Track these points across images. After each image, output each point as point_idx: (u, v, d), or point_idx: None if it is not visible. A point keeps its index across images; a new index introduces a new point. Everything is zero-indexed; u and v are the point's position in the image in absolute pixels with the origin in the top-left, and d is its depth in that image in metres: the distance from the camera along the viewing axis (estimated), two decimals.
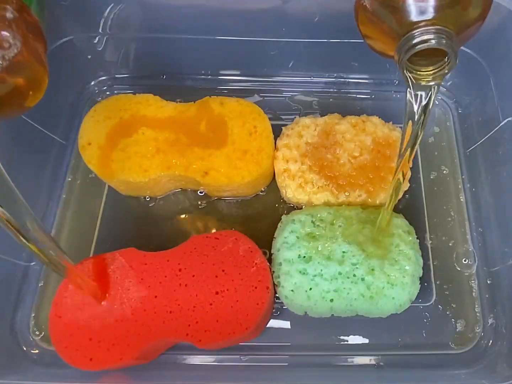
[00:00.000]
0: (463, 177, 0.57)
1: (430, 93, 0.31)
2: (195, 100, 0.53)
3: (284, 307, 0.48)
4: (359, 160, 0.51)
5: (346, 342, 0.48)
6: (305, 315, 0.47)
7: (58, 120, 0.57)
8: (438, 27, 0.27)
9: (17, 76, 0.28)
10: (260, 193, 0.55)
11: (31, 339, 0.48)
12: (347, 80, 0.62)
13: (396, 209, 0.51)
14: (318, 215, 0.48)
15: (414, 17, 0.27)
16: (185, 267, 0.45)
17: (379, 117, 0.54)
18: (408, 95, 0.31)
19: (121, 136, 0.50)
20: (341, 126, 0.53)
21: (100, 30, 0.55)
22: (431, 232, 0.53)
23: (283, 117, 0.60)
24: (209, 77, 0.62)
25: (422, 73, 0.30)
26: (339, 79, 0.62)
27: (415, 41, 0.27)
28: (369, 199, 0.50)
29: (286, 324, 0.48)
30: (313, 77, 0.62)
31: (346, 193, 0.50)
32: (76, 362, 0.41)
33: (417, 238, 0.49)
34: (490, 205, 0.54)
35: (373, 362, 0.47)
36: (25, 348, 0.47)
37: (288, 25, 0.54)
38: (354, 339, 0.48)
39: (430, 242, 0.53)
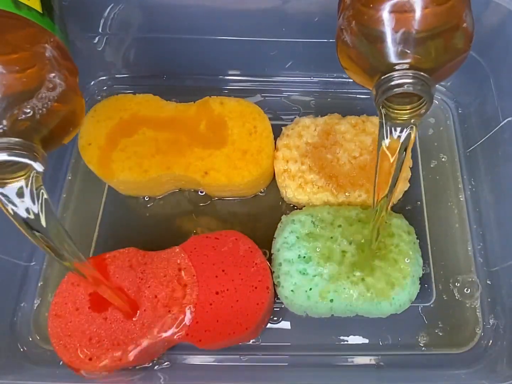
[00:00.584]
0: (463, 177, 0.57)
1: (409, 131, 0.31)
2: (195, 100, 0.53)
3: (284, 307, 0.48)
4: (359, 160, 0.51)
5: (346, 342, 0.48)
6: (305, 315, 0.47)
7: None
8: (416, 72, 0.27)
9: (60, 113, 0.27)
10: (260, 193, 0.55)
11: (31, 339, 0.48)
12: (347, 80, 0.62)
13: (396, 209, 0.51)
14: (318, 215, 0.48)
15: (393, 58, 0.28)
16: (185, 267, 0.45)
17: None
18: (381, 132, 0.31)
19: (121, 136, 0.50)
20: (341, 126, 0.53)
21: (100, 30, 0.55)
22: (431, 232, 0.53)
23: (283, 117, 0.60)
24: (209, 77, 0.62)
25: (398, 111, 0.30)
26: (339, 79, 0.62)
27: (392, 83, 0.27)
28: (369, 199, 0.50)
29: (286, 324, 0.48)
30: (313, 77, 0.62)
31: (346, 193, 0.50)
32: (76, 363, 0.41)
33: (417, 238, 0.49)
34: (490, 205, 0.54)
35: (373, 362, 0.47)
36: (25, 348, 0.47)
37: (288, 25, 0.54)
38: (354, 339, 0.48)
39: (430, 242, 0.53)
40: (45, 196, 0.28)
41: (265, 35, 0.55)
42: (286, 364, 0.47)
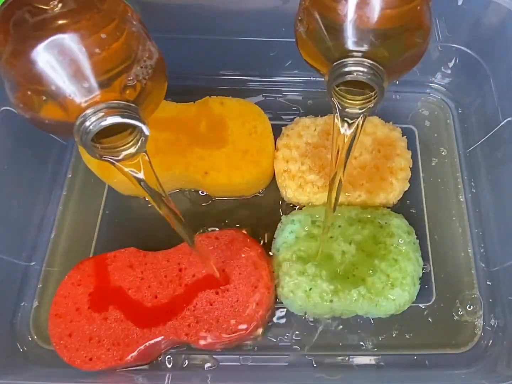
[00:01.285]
0: (463, 177, 0.57)
1: (357, 121, 0.31)
2: (195, 100, 0.53)
3: (284, 307, 0.48)
4: (359, 160, 0.51)
5: (346, 342, 0.48)
6: (304, 315, 0.47)
7: None
8: (372, 62, 0.27)
9: (157, 79, 0.29)
10: (260, 193, 0.55)
11: (31, 339, 0.48)
12: None
13: (396, 209, 0.51)
14: (318, 215, 0.48)
15: (349, 45, 0.27)
16: (185, 267, 0.45)
17: (379, 117, 0.54)
18: (335, 119, 0.31)
19: None
20: None
21: None
22: (431, 232, 0.53)
23: (283, 117, 0.60)
24: (209, 77, 0.62)
25: (349, 101, 0.30)
26: None
27: (346, 69, 0.27)
28: (369, 199, 0.50)
29: (286, 324, 0.48)
30: (313, 77, 0.62)
31: (346, 194, 0.50)
32: (76, 362, 0.42)
33: (417, 238, 0.49)
34: (490, 205, 0.54)
35: (373, 362, 0.47)
36: (25, 348, 0.47)
37: (288, 25, 0.54)
38: (354, 339, 0.48)
39: (430, 242, 0.53)
40: (147, 159, 0.30)
41: (265, 35, 0.55)
42: (286, 364, 0.47)
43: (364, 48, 0.27)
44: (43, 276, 0.51)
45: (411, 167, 0.52)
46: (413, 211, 0.54)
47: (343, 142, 0.32)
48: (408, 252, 0.46)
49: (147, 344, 0.42)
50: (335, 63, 0.27)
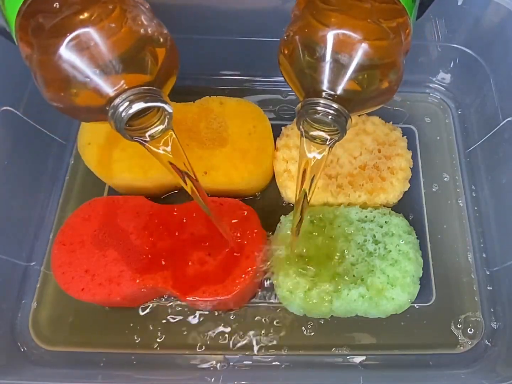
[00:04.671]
0: (463, 177, 0.57)
1: (323, 150, 0.33)
2: (195, 100, 0.53)
3: (283, 307, 0.48)
4: (359, 160, 0.51)
5: (346, 342, 0.48)
6: (304, 315, 0.47)
7: (58, 120, 0.57)
8: (339, 105, 0.29)
9: (170, 59, 0.31)
10: (260, 193, 0.55)
11: (31, 339, 0.48)
12: None
13: (396, 209, 0.51)
14: (317, 215, 0.48)
15: (324, 85, 0.29)
16: (188, 224, 0.47)
17: (379, 117, 0.54)
18: (302, 145, 0.33)
19: (121, 136, 0.50)
20: None
21: None
22: (431, 232, 0.53)
23: (283, 117, 0.60)
24: (209, 77, 0.62)
25: (315, 130, 0.32)
26: None
27: (316, 108, 0.29)
28: (369, 200, 0.50)
29: (285, 324, 0.48)
30: None
31: (346, 194, 0.50)
32: (69, 289, 0.44)
33: (417, 238, 0.49)
34: (490, 205, 0.54)
35: (373, 362, 0.47)
36: (25, 348, 0.47)
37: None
38: (354, 339, 0.48)
39: (430, 242, 0.53)
40: (175, 135, 0.32)
41: (265, 35, 0.55)
42: (286, 364, 0.47)
43: (336, 91, 0.29)
44: (43, 276, 0.51)
45: (411, 167, 0.52)
46: (413, 211, 0.54)
47: (309, 166, 0.34)
48: (408, 252, 0.46)
49: (136, 287, 0.44)
50: (307, 99, 0.30)
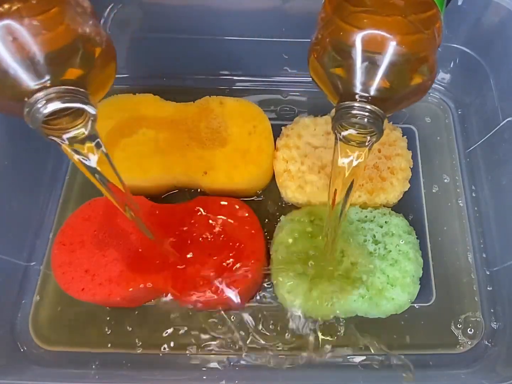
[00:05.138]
0: (463, 177, 0.57)
1: (358, 155, 0.32)
2: (195, 100, 0.53)
3: (282, 307, 0.48)
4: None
5: (346, 342, 0.48)
6: (303, 315, 0.47)
7: None
8: (373, 107, 0.29)
9: (100, 62, 0.29)
10: (260, 193, 0.55)
11: (31, 339, 0.48)
12: None
13: (396, 209, 0.51)
14: (317, 215, 0.48)
15: (356, 88, 0.29)
16: (188, 225, 0.46)
17: None
18: (336, 152, 0.33)
19: (121, 136, 0.50)
20: None
21: None
22: (431, 232, 0.53)
23: (283, 117, 0.60)
24: (209, 77, 0.62)
25: (351, 134, 0.31)
26: None
27: (351, 112, 0.29)
28: (369, 200, 0.50)
29: (285, 325, 0.48)
30: None
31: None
32: (69, 289, 0.44)
33: (417, 238, 0.49)
34: (490, 205, 0.54)
35: (373, 362, 0.47)
36: (25, 348, 0.47)
37: (288, 25, 0.54)
38: (354, 339, 0.48)
39: (430, 242, 0.53)
40: (100, 142, 0.31)
41: (265, 35, 0.55)
42: (286, 364, 0.47)
43: (370, 93, 0.29)
44: (43, 276, 0.51)
45: (411, 167, 0.52)
46: (413, 211, 0.54)
47: (345, 174, 0.33)
48: (408, 252, 0.46)
49: (135, 287, 0.44)
50: (342, 103, 0.29)
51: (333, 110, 0.30)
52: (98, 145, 0.30)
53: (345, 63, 0.29)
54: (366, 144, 0.31)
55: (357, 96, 0.29)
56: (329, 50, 0.30)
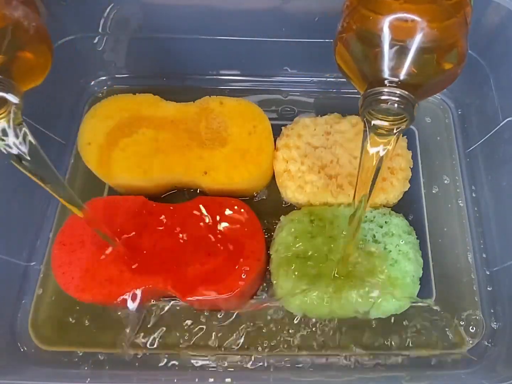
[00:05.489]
0: (463, 177, 0.57)
1: (389, 142, 0.32)
2: (195, 100, 0.53)
3: (282, 307, 0.48)
4: (359, 160, 0.51)
5: (346, 342, 0.48)
6: (303, 315, 0.47)
7: (58, 120, 0.57)
8: (403, 91, 0.28)
9: (29, 51, 0.29)
10: (260, 193, 0.55)
11: (31, 339, 0.48)
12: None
13: (396, 209, 0.51)
14: (317, 215, 0.48)
15: (385, 73, 0.28)
16: (188, 225, 0.46)
17: None
18: (365, 141, 0.32)
19: (120, 136, 0.50)
20: (341, 126, 0.53)
21: (100, 30, 0.55)
22: (431, 232, 0.53)
23: (283, 117, 0.60)
24: (209, 77, 0.62)
25: (380, 120, 0.31)
26: (339, 79, 0.62)
27: (380, 98, 0.28)
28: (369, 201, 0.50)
29: (285, 324, 0.48)
30: (313, 77, 0.62)
31: (346, 194, 0.50)
32: (69, 289, 0.44)
33: (417, 238, 0.49)
34: (490, 205, 0.53)
35: (372, 362, 0.47)
36: (25, 348, 0.47)
37: (288, 25, 0.54)
38: (354, 339, 0.48)
39: (430, 242, 0.53)
40: (26, 131, 0.30)
41: (265, 35, 0.55)
42: (286, 364, 0.47)
43: (399, 77, 0.28)
44: (43, 276, 0.51)
45: (411, 167, 0.52)
46: (413, 211, 0.54)
47: (372, 163, 0.33)
48: (408, 252, 0.46)
49: (136, 288, 0.44)
50: (370, 90, 0.29)
51: (361, 98, 0.30)
52: (25, 135, 0.30)
53: (373, 49, 0.29)
54: (395, 131, 0.31)
55: (386, 82, 0.28)
56: (356, 38, 0.29)
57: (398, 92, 0.28)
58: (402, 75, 0.28)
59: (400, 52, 0.28)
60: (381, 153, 0.32)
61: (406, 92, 0.28)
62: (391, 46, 0.28)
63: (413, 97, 0.28)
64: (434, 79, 0.30)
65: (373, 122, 0.30)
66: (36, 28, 0.28)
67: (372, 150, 0.32)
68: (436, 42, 0.28)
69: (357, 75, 0.30)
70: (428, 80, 0.29)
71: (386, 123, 0.30)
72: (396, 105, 0.28)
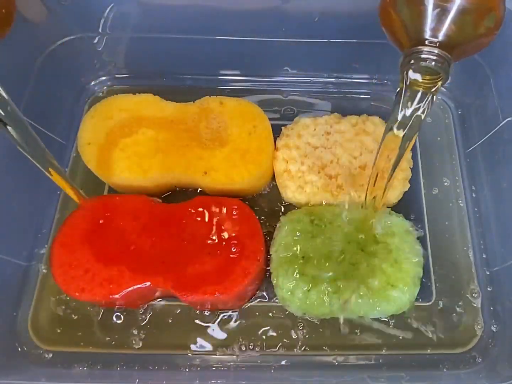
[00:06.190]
0: (463, 177, 0.57)
1: (425, 99, 0.34)
2: (195, 100, 0.53)
3: (282, 307, 0.48)
4: (359, 160, 0.51)
5: (345, 342, 0.48)
6: (304, 315, 0.47)
7: (58, 120, 0.57)
8: (441, 51, 0.31)
9: None
10: (260, 193, 0.55)
11: (31, 339, 0.48)
12: (347, 80, 0.62)
13: (396, 209, 0.51)
14: (317, 215, 0.48)
15: (426, 33, 0.31)
16: (188, 225, 0.46)
17: (379, 117, 0.54)
18: (397, 99, 0.34)
19: (120, 136, 0.50)
20: (341, 126, 0.53)
21: (100, 30, 0.55)
22: (431, 232, 0.53)
23: (283, 117, 0.60)
24: (209, 77, 0.62)
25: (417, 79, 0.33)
26: (339, 79, 0.62)
27: (420, 56, 0.31)
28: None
29: (285, 324, 0.48)
30: (313, 77, 0.62)
31: (346, 194, 0.50)
32: (69, 289, 0.44)
33: (417, 238, 0.49)
34: (490, 205, 0.53)
35: (373, 362, 0.47)
36: (25, 348, 0.47)
37: (288, 25, 0.54)
38: (354, 339, 0.48)
39: (430, 242, 0.53)
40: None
41: (265, 35, 0.56)
42: (286, 364, 0.47)
43: (438, 38, 0.31)
44: (43, 276, 0.51)
45: (411, 167, 0.52)
46: (413, 211, 0.54)
47: (396, 144, 0.35)
48: (408, 252, 0.46)
49: (135, 287, 0.44)
50: (411, 49, 0.32)
51: (402, 57, 0.32)
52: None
53: (417, 8, 0.31)
54: (432, 90, 0.33)
55: (426, 42, 0.31)
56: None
57: (436, 51, 0.31)
58: (441, 36, 0.31)
59: (441, 13, 0.31)
60: (418, 116, 0.33)
61: (444, 52, 0.31)
62: (434, 7, 0.31)
63: (450, 57, 0.31)
64: (471, 41, 0.32)
65: (410, 75, 0.32)
66: None
67: (405, 113, 0.34)
68: (475, 4, 0.31)
69: (399, 35, 0.33)
70: (465, 41, 0.32)
71: (424, 79, 0.32)
72: (434, 63, 0.31)
